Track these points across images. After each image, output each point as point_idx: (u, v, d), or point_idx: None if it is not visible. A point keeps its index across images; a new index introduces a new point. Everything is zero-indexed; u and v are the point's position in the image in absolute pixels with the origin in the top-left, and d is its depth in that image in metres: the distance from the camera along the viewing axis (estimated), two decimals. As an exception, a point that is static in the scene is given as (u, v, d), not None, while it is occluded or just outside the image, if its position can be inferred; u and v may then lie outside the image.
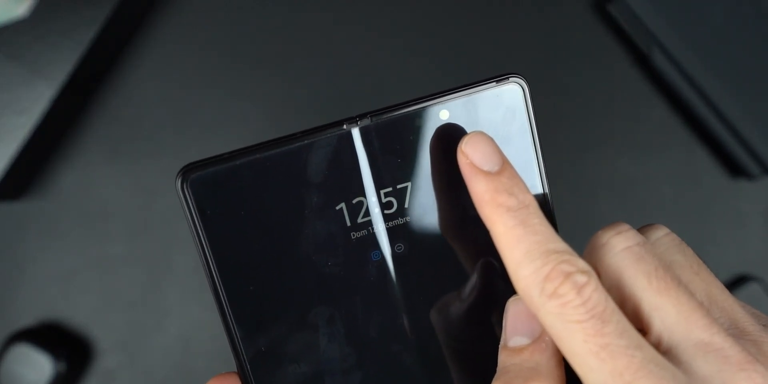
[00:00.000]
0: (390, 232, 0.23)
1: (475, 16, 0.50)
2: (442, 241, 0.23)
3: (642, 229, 0.25)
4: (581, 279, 0.20)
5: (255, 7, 0.50)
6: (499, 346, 0.22)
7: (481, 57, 0.49)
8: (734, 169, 0.49)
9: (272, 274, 0.22)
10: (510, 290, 0.22)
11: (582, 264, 0.20)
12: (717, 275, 0.54)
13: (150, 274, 0.49)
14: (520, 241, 0.20)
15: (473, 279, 0.24)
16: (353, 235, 0.23)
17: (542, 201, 0.24)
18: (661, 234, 0.25)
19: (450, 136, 0.23)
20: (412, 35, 0.50)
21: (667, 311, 0.20)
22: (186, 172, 0.22)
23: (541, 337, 0.21)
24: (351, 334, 0.23)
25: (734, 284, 0.48)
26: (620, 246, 0.22)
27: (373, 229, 0.23)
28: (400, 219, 0.23)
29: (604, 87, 0.50)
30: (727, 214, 0.49)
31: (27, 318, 0.49)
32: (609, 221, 0.54)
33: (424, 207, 0.23)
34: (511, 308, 0.22)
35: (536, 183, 0.24)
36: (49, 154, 0.49)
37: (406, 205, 0.23)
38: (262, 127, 0.49)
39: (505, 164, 0.21)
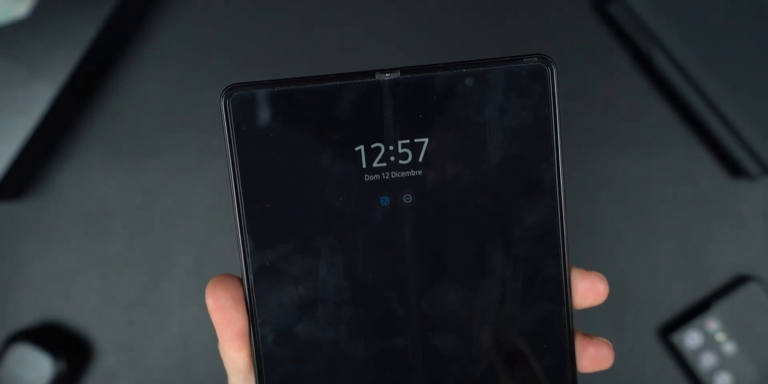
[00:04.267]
0: (401, 181, 0.24)
1: (475, 16, 0.50)
2: (448, 199, 0.24)
3: None
4: None
5: (255, 7, 0.50)
6: None
7: (481, 57, 0.49)
8: (734, 169, 0.49)
9: (288, 197, 0.24)
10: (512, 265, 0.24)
11: None
12: (717, 275, 0.54)
13: (150, 274, 0.49)
14: None
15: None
16: (367, 177, 0.24)
17: (556, 184, 0.25)
18: None
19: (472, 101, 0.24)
20: (412, 35, 0.50)
21: None
22: (229, 90, 0.23)
23: None
24: (349, 270, 0.24)
25: (734, 284, 0.48)
26: None
27: (386, 175, 0.24)
28: (412, 171, 0.24)
29: (604, 87, 0.50)
30: (727, 214, 0.49)
31: (27, 318, 0.49)
32: (609, 221, 0.54)
33: (437, 164, 0.24)
34: None
35: (552, 162, 0.24)
36: (49, 154, 0.49)
37: (420, 159, 0.24)
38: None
39: None
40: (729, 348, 0.47)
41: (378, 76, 0.24)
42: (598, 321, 0.49)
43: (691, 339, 0.47)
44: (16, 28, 0.45)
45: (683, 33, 0.47)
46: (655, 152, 0.49)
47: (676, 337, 0.47)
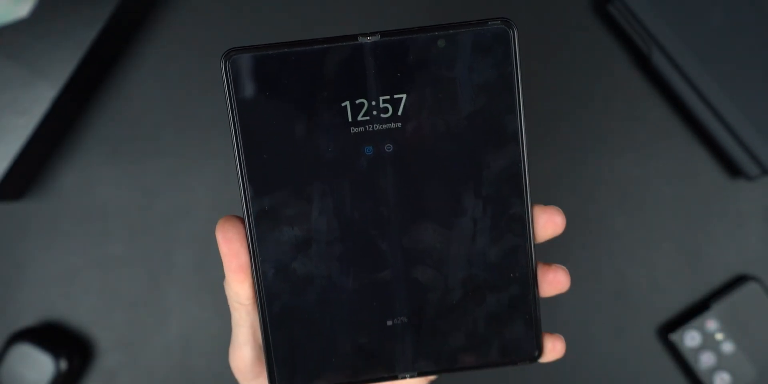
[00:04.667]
0: (383, 133, 0.27)
1: (474, 16, 0.50)
2: (424, 147, 0.27)
3: None
4: None
5: (254, 8, 0.50)
6: None
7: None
8: (733, 169, 0.49)
9: (283, 148, 0.27)
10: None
11: None
12: (716, 275, 0.54)
13: (150, 274, 0.49)
14: None
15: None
16: (352, 129, 0.27)
17: (519, 132, 0.27)
18: None
19: (442, 59, 0.27)
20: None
21: None
22: (229, 53, 0.26)
23: None
24: (338, 212, 0.27)
25: (733, 284, 0.48)
26: None
27: (369, 127, 0.27)
28: (393, 124, 0.27)
29: (604, 87, 0.50)
30: (727, 214, 0.49)
31: (28, 318, 0.49)
32: (609, 221, 0.54)
33: (414, 117, 0.27)
34: None
35: (515, 113, 0.27)
36: (50, 154, 0.49)
37: (399, 113, 0.27)
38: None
39: None
40: (728, 347, 0.47)
41: (360, 39, 0.26)
42: (597, 321, 0.49)
43: (690, 338, 0.47)
44: (17, 28, 0.45)
45: (682, 33, 0.47)
46: (654, 152, 0.50)
47: (675, 337, 0.47)
